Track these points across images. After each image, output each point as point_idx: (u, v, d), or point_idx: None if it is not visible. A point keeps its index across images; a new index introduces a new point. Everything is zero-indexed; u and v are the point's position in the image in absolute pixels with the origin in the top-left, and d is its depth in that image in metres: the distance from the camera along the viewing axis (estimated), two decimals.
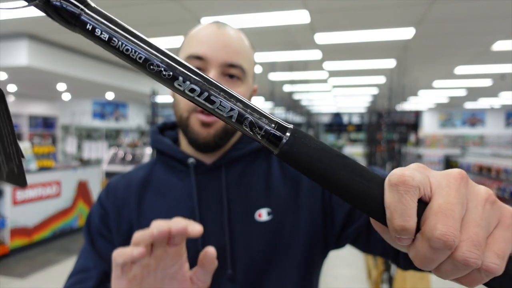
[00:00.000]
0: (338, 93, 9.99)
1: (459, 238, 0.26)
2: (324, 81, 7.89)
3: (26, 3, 0.28)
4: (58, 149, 10.29)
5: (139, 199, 0.73)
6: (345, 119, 15.16)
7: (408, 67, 4.70)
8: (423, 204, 0.28)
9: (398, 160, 4.29)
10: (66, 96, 9.56)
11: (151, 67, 0.30)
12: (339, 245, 0.73)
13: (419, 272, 2.37)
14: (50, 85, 7.28)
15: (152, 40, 0.30)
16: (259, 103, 10.37)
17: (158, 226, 0.48)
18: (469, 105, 12.09)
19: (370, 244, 0.67)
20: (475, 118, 13.34)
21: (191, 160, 0.72)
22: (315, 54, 5.48)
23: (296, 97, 6.36)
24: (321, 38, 4.65)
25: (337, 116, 15.18)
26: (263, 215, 0.69)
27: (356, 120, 15.02)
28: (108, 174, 6.18)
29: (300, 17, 3.87)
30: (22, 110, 10.08)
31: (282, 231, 0.69)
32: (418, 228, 0.28)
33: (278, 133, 0.30)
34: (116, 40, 0.29)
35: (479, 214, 0.27)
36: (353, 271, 4.08)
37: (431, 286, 2.38)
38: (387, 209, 0.28)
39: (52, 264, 4.20)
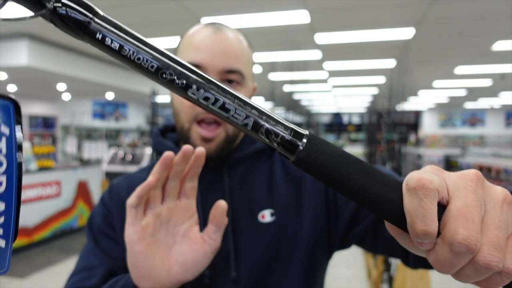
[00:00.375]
0: (338, 93, 10.00)
1: (481, 242, 0.26)
2: (324, 81, 7.89)
3: (33, 13, 0.28)
4: (58, 149, 10.28)
5: None
6: (345, 119, 15.16)
7: (408, 67, 4.70)
8: (441, 208, 0.28)
9: (398, 160, 4.29)
10: (66, 96, 9.57)
11: (164, 76, 0.29)
12: (344, 245, 0.73)
13: (419, 272, 2.37)
14: (50, 85, 7.28)
15: (161, 47, 0.30)
16: (259, 103, 10.34)
17: (166, 153, 0.50)
18: (469, 105, 12.10)
19: (377, 243, 0.67)
20: (475, 118, 13.35)
21: None
22: (315, 54, 5.48)
23: (296, 97, 6.35)
24: (321, 38, 4.65)
25: (337, 116, 15.18)
26: (266, 216, 0.69)
27: (356, 120, 15.02)
28: (108, 174, 6.17)
29: (300, 17, 3.87)
30: (22, 110, 9.83)
31: (285, 232, 0.69)
32: (438, 232, 0.27)
33: (294, 140, 0.30)
34: (127, 49, 0.29)
35: (498, 216, 0.27)
36: (353, 271, 4.08)
37: (431, 286, 2.38)
38: (407, 213, 0.28)
39: (52, 264, 4.20)
